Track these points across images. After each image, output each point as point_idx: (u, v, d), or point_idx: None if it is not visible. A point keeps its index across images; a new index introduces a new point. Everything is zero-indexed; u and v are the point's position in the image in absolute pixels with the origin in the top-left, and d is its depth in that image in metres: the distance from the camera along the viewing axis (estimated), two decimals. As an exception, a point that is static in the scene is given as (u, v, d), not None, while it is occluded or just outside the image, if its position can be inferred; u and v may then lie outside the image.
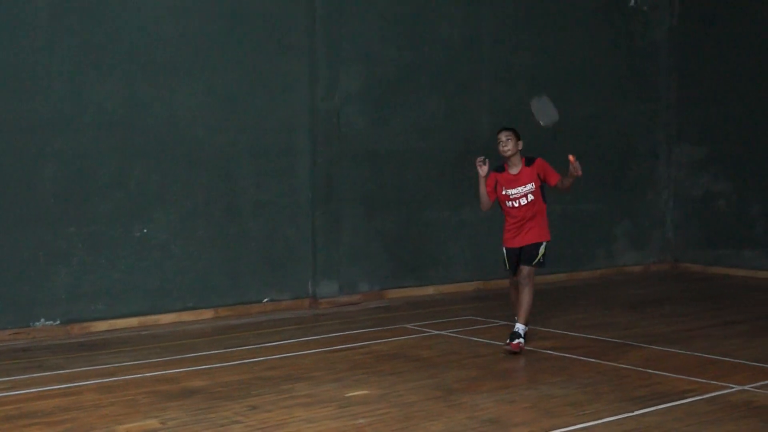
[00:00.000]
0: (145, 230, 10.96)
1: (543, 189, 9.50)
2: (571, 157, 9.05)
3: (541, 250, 9.44)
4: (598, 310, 11.67)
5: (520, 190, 9.37)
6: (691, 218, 15.61)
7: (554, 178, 9.38)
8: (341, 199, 12.32)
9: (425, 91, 13.09)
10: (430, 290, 13.16)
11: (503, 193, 9.45)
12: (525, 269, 9.40)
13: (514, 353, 9.14)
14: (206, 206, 11.39)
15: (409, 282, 13.05)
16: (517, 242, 9.47)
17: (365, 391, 7.83)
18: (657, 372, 8.45)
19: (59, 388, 8.03)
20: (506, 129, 9.43)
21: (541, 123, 9.45)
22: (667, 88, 15.71)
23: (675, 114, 15.71)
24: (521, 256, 9.46)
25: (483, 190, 9.47)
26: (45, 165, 10.37)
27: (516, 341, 9.18)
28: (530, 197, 9.37)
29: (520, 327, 9.30)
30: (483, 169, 9.41)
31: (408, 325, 10.79)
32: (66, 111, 10.46)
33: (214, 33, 11.41)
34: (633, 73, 15.41)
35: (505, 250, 9.58)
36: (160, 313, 11.07)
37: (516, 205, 9.40)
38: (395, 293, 12.85)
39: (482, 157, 9.48)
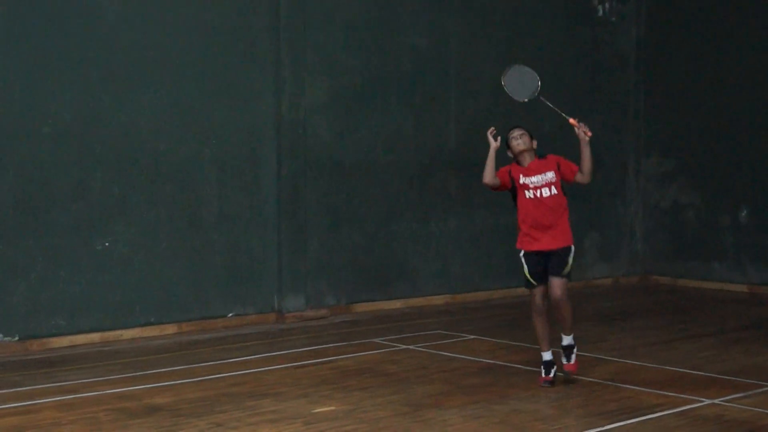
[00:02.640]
0: (106, 243, 10.81)
1: (563, 187, 8.56)
2: (572, 120, 8.48)
3: (571, 258, 8.44)
4: (568, 324, 11.55)
5: (540, 178, 8.43)
6: (660, 230, 15.64)
7: (572, 171, 8.47)
8: (307, 211, 12.21)
9: (392, 102, 13.03)
10: (397, 304, 13.06)
11: (521, 182, 8.48)
12: (557, 284, 8.36)
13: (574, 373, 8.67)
14: (169, 219, 11.25)
15: (377, 296, 12.95)
16: (542, 245, 8.43)
17: (332, 407, 7.77)
18: (626, 386, 8.45)
19: (17, 406, 7.88)
20: (519, 126, 8.71)
21: (525, 99, 8.87)
22: (635, 99, 15.74)
23: (643, 125, 15.76)
24: (549, 264, 8.43)
25: (491, 162, 8.48)
26: (3, 176, 10.20)
27: (573, 360, 8.58)
28: (554, 190, 8.41)
29: (569, 339, 8.55)
30: (494, 142, 8.52)
31: (375, 340, 10.72)
32: (25, 122, 10.31)
33: (177, 42, 11.29)
34: (600, 84, 15.43)
35: (524, 257, 8.53)
36: (122, 328, 10.91)
37: (538, 195, 8.40)
38: (362, 307, 12.76)
39: (493, 128, 8.63)
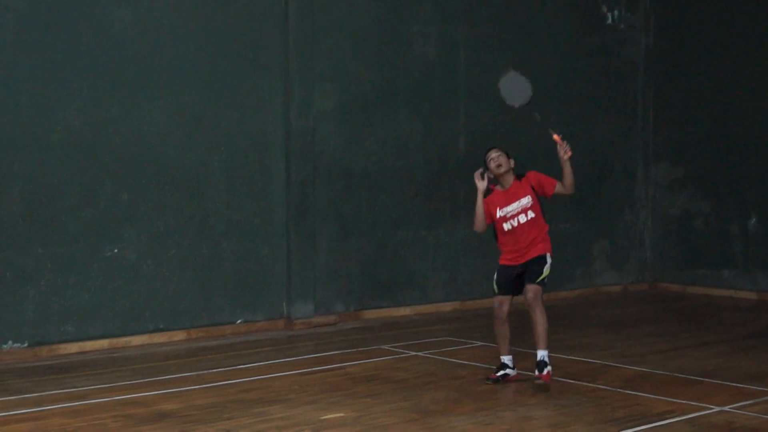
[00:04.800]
0: (115, 250, 10.84)
1: (541, 207, 8.85)
2: (556, 136, 8.71)
3: (547, 268, 8.72)
4: (576, 331, 11.62)
5: (515, 206, 8.71)
6: (669, 238, 15.64)
7: (551, 185, 8.76)
8: (316, 218, 12.24)
9: (400, 110, 13.06)
10: (406, 311, 13.08)
11: (498, 215, 8.76)
12: (530, 289, 8.62)
13: (545, 384, 8.63)
14: (177, 226, 11.28)
15: (386, 302, 12.98)
16: (520, 260, 8.77)
17: (340, 414, 7.77)
18: (636, 393, 8.45)
19: (26, 413, 7.90)
20: (495, 148, 8.91)
21: (515, 105, 9.09)
22: (643, 106, 15.76)
23: (652, 133, 15.79)
24: (525, 274, 8.70)
25: (480, 207, 8.77)
26: (12, 185, 10.24)
27: (546, 371, 8.60)
28: (530, 214, 8.69)
29: (542, 354, 8.65)
30: (482, 183, 8.71)
31: (384, 347, 10.74)
32: (33, 130, 10.35)
33: (185, 50, 11.33)
34: (609, 92, 15.44)
35: (498, 267, 8.92)
36: (131, 335, 10.95)
37: (515, 224, 8.70)
38: (371, 314, 12.76)
39: (481, 169, 8.78)
